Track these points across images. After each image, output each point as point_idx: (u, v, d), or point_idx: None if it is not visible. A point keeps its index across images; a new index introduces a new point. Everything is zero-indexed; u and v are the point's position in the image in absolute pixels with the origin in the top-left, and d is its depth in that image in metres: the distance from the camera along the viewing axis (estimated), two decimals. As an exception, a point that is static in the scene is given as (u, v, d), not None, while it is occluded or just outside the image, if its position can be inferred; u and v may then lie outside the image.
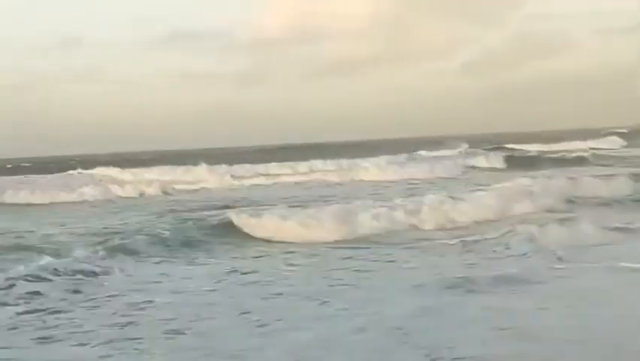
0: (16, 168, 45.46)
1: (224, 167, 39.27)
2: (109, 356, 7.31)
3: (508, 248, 12.63)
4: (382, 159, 41.85)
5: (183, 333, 7.94)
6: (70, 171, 41.48)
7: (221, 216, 16.90)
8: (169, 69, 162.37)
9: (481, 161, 41.53)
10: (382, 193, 24.20)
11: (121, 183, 30.88)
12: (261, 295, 9.74)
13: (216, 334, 7.88)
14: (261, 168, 40.11)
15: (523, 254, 11.94)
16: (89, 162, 48.47)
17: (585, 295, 8.93)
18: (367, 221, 15.84)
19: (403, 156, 45.29)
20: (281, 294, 9.74)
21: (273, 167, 40.15)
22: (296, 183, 32.11)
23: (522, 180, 20.61)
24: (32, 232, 17.31)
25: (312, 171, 37.92)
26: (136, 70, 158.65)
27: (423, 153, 48.94)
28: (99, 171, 39.93)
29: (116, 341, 7.75)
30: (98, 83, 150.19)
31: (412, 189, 26.03)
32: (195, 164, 38.80)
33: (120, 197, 27.67)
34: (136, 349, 7.47)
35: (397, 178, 32.72)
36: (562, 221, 14.37)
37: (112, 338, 7.83)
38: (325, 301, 9.11)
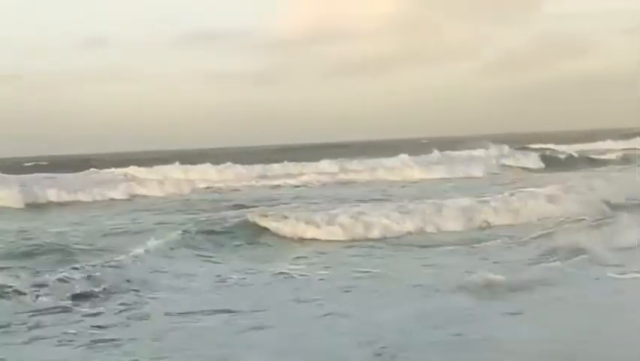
0: (44, 167, 44.82)
1: (246, 166, 39.09)
2: (90, 358, 7.27)
3: (522, 253, 12.35)
4: (413, 159, 41.10)
5: (170, 334, 7.88)
6: (92, 169, 41.28)
7: (242, 217, 16.84)
8: (188, 69, 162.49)
9: (518, 161, 40.59)
10: (410, 193, 23.81)
11: (146, 182, 30.82)
12: (259, 297, 9.66)
13: (204, 336, 7.82)
14: (285, 167, 39.83)
15: (538, 258, 11.66)
16: (112, 160, 48.34)
17: (581, 304, 8.65)
18: (386, 222, 15.58)
19: (433, 155, 44.42)
20: (279, 295, 9.68)
21: (297, 166, 39.75)
22: (320, 182, 31.78)
23: (560, 181, 19.87)
24: (57, 231, 17.14)
25: (341, 170, 37.31)
26: (156, 69, 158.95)
27: (451, 152, 47.80)
28: (124, 169, 39.51)
29: (100, 342, 7.71)
30: (120, 82, 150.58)
31: (443, 188, 25.58)
32: (216, 162, 38.78)
33: (146, 196, 27.55)
34: (120, 351, 7.41)
35: (429, 177, 32.33)
36: (596, 224, 13.95)
37: (97, 339, 7.79)
38: (320, 304, 9.04)
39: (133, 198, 27.16)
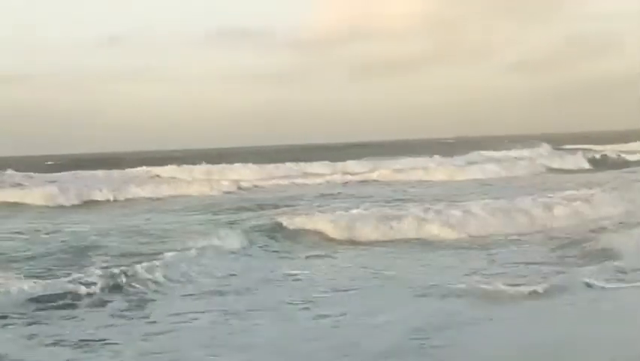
0: (66, 166, 44.71)
1: (274, 165, 38.80)
2: (76, 357, 7.25)
3: (546, 257, 11.84)
4: (449, 160, 40.19)
5: (162, 335, 7.82)
6: (116, 170, 40.80)
7: (269, 216, 16.79)
8: (214, 67, 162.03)
9: (561, 161, 39.35)
10: (443, 194, 23.24)
11: (178, 181, 30.93)
12: (261, 298, 9.57)
13: (194, 337, 7.78)
14: (312, 166, 39.45)
15: (560, 264, 11.16)
16: (135, 159, 48.25)
17: (581, 312, 8.33)
18: (411, 223, 15.15)
19: (471, 156, 43.36)
20: (280, 296, 9.60)
21: (325, 166, 39.40)
22: (348, 182, 31.36)
23: (607, 182, 19.04)
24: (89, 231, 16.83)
25: (370, 169, 36.65)
26: (181, 68, 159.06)
27: (490, 152, 46.58)
28: (154, 169, 39.29)
29: (91, 341, 7.68)
30: (141, 82, 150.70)
31: (480, 189, 25.01)
32: (241, 162, 38.49)
33: (176, 195, 27.12)
34: (107, 351, 7.38)
35: (465, 178, 31.62)
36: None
37: (87, 339, 7.75)
38: (317, 306, 8.93)
39: (166, 197, 26.78)
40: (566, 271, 10.43)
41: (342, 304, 8.94)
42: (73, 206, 24.77)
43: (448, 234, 14.71)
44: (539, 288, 9.13)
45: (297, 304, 9.11)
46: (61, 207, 24.52)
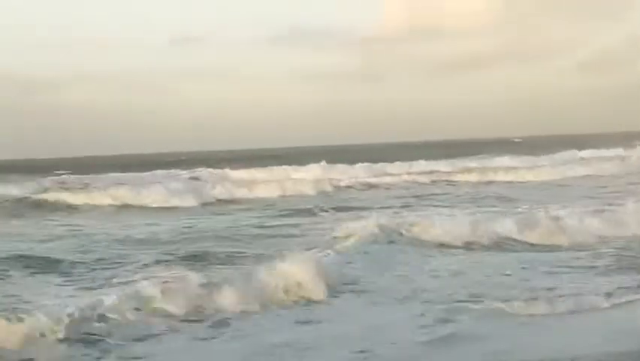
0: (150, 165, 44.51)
1: (352, 166, 38.12)
2: (71, 356, 7.29)
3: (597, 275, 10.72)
4: (543, 159, 38.56)
5: (163, 338, 7.78)
6: (200, 169, 40.42)
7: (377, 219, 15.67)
8: (285, 67, 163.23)
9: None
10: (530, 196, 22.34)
11: (252, 183, 30.53)
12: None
13: (193, 344, 7.73)
14: (396, 166, 38.65)
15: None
16: (213, 159, 47.89)
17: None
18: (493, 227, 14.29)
19: (566, 155, 41.64)
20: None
21: (405, 165, 38.59)
22: (435, 181, 30.81)
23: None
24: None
25: (452, 169, 35.63)
26: (252, 68, 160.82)
27: (581, 152, 44.76)
28: (228, 171, 38.63)
29: (90, 339, 7.68)
30: (215, 81, 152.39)
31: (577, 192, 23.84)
32: (317, 161, 38.14)
33: (256, 198, 26.70)
34: (96, 350, 7.41)
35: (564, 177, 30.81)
36: None
37: (99, 338, 7.74)
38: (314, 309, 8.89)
39: (239, 199, 26.37)
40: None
41: (338, 308, 8.80)
42: (194, 207, 24.00)
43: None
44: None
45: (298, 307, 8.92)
46: (180, 208, 23.74)
